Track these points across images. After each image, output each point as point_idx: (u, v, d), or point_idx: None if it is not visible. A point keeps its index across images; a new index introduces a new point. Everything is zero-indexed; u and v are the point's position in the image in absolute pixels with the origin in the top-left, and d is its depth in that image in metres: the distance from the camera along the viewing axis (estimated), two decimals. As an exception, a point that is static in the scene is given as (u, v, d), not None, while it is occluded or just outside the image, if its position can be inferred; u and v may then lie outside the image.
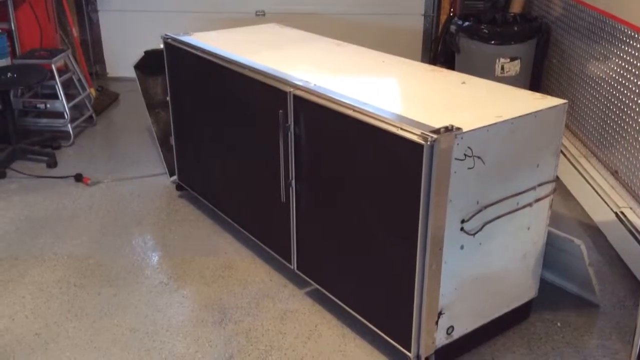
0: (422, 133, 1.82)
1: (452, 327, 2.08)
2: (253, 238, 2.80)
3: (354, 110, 2.04)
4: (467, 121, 1.90)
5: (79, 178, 3.64)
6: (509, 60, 3.94)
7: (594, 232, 2.97)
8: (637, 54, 2.88)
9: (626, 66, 2.98)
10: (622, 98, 3.03)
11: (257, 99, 2.51)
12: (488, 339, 2.28)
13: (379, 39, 5.00)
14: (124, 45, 5.46)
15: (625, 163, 2.94)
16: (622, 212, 2.77)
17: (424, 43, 5.21)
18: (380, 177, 2.00)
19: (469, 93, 2.25)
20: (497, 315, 2.24)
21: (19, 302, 2.57)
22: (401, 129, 1.87)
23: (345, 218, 2.20)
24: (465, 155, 1.87)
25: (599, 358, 2.22)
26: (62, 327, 2.42)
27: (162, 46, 3.42)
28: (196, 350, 2.29)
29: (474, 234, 1.99)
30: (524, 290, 2.31)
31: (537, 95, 2.22)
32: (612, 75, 3.15)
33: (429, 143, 1.79)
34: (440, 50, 4.52)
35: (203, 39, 3.00)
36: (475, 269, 2.07)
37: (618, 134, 3.05)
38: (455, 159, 1.85)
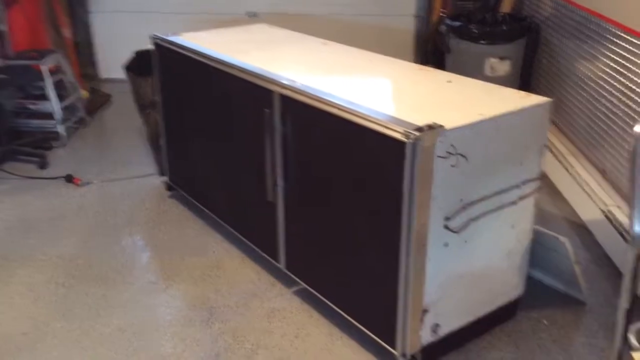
0: (404, 131, 1.82)
1: (438, 324, 2.08)
2: (242, 237, 2.80)
3: (338, 109, 2.05)
4: (451, 119, 1.90)
5: (69, 179, 3.64)
6: (498, 59, 3.96)
7: (582, 231, 2.98)
8: (624, 53, 2.89)
9: (614, 65, 3.00)
10: (609, 97, 3.04)
11: (244, 99, 2.52)
12: (475, 337, 2.28)
13: (371, 39, 5.00)
14: (116, 47, 5.44)
15: (613, 162, 2.95)
16: (609, 211, 2.78)
17: (415, 43, 5.22)
18: (364, 175, 2.01)
19: (454, 92, 2.26)
20: (483, 313, 2.25)
21: (7, 302, 2.56)
22: (384, 126, 1.88)
23: (332, 216, 2.20)
24: (448, 153, 1.88)
25: (586, 356, 2.23)
26: (50, 327, 2.42)
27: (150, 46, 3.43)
28: (183, 350, 2.29)
29: (458, 232, 2.00)
30: (510, 288, 2.32)
31: (522, 93, 2.23)
32: (600, 74, 3.16)
33: (411, 141, 1.80)
34: (431, 51, 4.53)
35: (191, 39, 3.00)
36: (460, 266, 2.08)
37: (606, 133, 3.06)
38: (438, 156, 1.86)
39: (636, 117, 2.75)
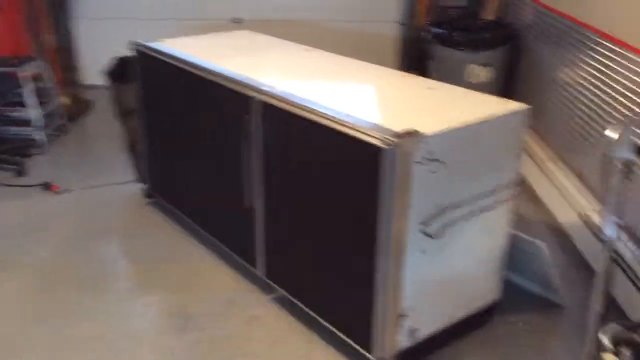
0: (382, 137, 1.82)
1: (415, 329, 2.08)
2: (220, 244, 2.78)
3: (316, 115, 2.04)
4: (430, 125, 1.90)
5: (47, 186, 3.60)
6: (480, 66, 3.98)
7: (560, 235, 2.99)
8: (603, 59, 2.92)
9: (592, 71, 3.02)
10: (588, 103, 3.06)
11: (223, 105, 2.50)
12: (452, 341, 2.28)
13: (355, 46, 5.00)
14: (99, 53, 5.37)
15: (591, 166, 2.97)
16: (586, 215, 2.79)
17: (399, 50, 5.24)
18: (342, 182, 2.00)
19: (434, 98, 2.27)
20: (460, 317, 2.25)
21: (-19, 311, 2.53)
22: (362, 132, 1.88)
23: (310, 223, 2.19)
24: (426, 159, 1.88)
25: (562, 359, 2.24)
26: (24, 334, 2.38)
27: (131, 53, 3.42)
28: (158, 355, 2.26)
29: (435, 237, 2.00)
30: (487, 292, 2.32)
31: (501, 100, 2.24)
32: (579, 80, 3.19)
33: (388, 147, 1.79)
34: (414, 57, 4.55)
35: (172, 45, 2.99)
36: (438, 271, 2.07)
37: (584, 138, 3.08)
38: (416, 162, 1.86)
39: (613, 122, 2.77)
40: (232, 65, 2.58)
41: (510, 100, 2.22)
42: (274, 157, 2.29)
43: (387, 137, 1.82)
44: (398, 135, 1.82)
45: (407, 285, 1.98)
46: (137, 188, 3.58)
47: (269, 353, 2.27)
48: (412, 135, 1.84)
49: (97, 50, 5.44)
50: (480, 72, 3.99)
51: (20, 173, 3.78)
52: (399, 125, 1.89)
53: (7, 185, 3.64)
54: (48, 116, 4.29)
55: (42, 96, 4.35)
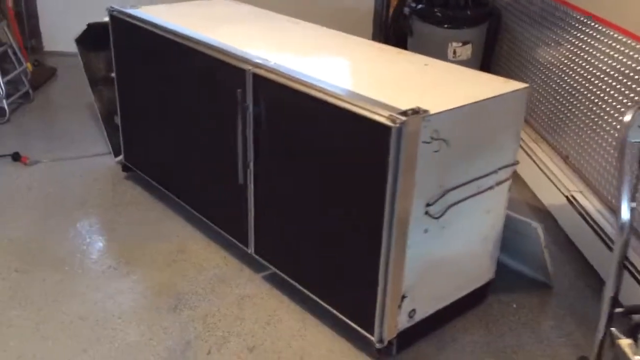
0: (390, 115, 1.78)
1: (414, 310, 2.07)
2: (207, 221, 2.71)
3: (319, 91, 1.98)
4: (433, 103, 1.87)
5: (16, 157, 3.43)
6: (461, 44, 3.96)
7: (544, 216, 3.03)
8: (587, 38, 2.93)
9: (576, 51, 3.04)
10: (572, 83, 3.09)
11: (214, 77, 2.41)
12: (447, 321, 2.29)
13: (329, 17, 4.91)
14: (62, 18, 5.18)
15: (576, 147, 3.01)
16: (572, 196, 2.83)
17: (374, 23, 5.18)
18: (345, 160, 1.96)
19: (432, 75, 2.23)
20: (456, 297, 2.25)
21: (-45, 290, 2.40)
22: (368, 110, 1.83)
23: (307, 201, 2.15)
24: (432, 138, 1.85)
25: (554, 339, 2.27)
26: (5, 315, 2.27)
27: (106, 19, 3.26)
28: (150, 338, 2.20)
29: (437, 218, 1.98)
30: (483, 272, 2.33)
31: (500, 78, 2.22)
32: (562, 60, 3.21)
33: (397, 125, 1.76)
34: (393, 33, 4.49)
35: (152, 12, 2.86)
36: (438, 252, 2.07)
37: (568, 119, 3.11)
38: (422, 141, 1.83)
39: (599, 102, 2.80)
40: (218, 36, 2.49)
41: (510, 79, 2.21)
42: (269, 133, 2.22)
43: (395, 115, 1.78)
44: (405, 113, 1.78)
45: (409, 266, 1.97)
46: (112, 161, 3.45)
47: (264, 332, 2.24)
48: (419, 113, 1.80)
49: (60, 15, 5.21)
50: (460, 50, 3.97)
51: (-16, 143, 3.60)
52: (402, 103, 1.85)
53: (-28, 156, 3.47)
54: (10, 83, 4.08)
55: (5, 62, 4.13)
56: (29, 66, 4.47)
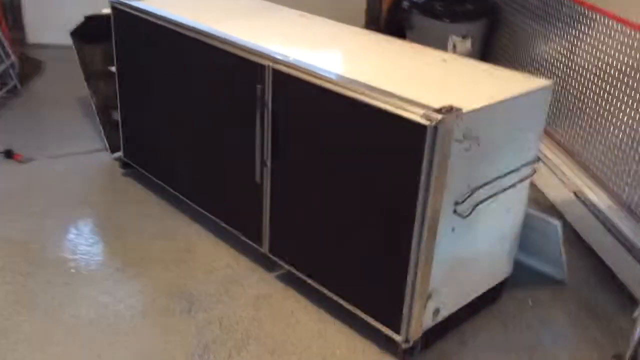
0: (424, 113, 1.74)
1: (438, 309, 2.05)
2: (216, 220, 2.64)
3: (347, 89, 1.93)
4: (463, 101, 1.84)
5: (9, 154, 3.31)
6: (461, 38, 3.95)
7: (550, 212, 3.03)
8: (588, 31, 2.93)
9: (579, 44, 3.03)
10: (575, 77, 3.09)
11: (230, 73, 2.34)
12: (465, 319, 2.27)
13: (319, 9, 4.84)
14: (47, 10, 5.03)
15: (581, 142, 3.01)
16: (580, 192, 2.84)
17: (366, 16, 5.13)
18: (375, 158, 1.92)
19: (453, 71, 2.20)
20: (476, 295, 2.23)
21: (-43, 294, 2.30)
22: (402, 108, 1.79)
23: (330, 200, 2.10)
24: (464, 136, 1.82)
25: (572, 334, 2.28)
26: (12, 320, 2.19)
27: (104, 11, 3.17)
28: (166, 342, 2.14)
29: (465, 217, 1.95)
30: (501, 270, 2.32)
31: (518, 74, 2.21)
32: (564, 53, 3.21)
33: (433, 124, 1.72)
34: (391, 27, 4.46)
35: (157, 4, 2.77)
36: (462, 251, 2.04)
37: (572, 113, 3.12)
38: (455, 140, 1.80)
39: (604, 95, 2.81)
40: (229, 29, 2.41)
41: (529, 75, 2.19)
42: (289, 130, 2.17)
43: (429, 113, 1.74)
44: (440, 111, 1.75)
45: (436, 265, 1.94)
46: (108, 157, 3.36)
47: (283, 334, 2.19)
48: (453, 111, 1.77)
49: (43, 7, 5.05)
50: (460, 44, 3.96)
51: (-26, 140, 3.46)
52: (432, 100, 1.82)
53: (-37, 154, 3.33)
54: (-2, 77, 3.95)
55: (-8, 55, 3.99)
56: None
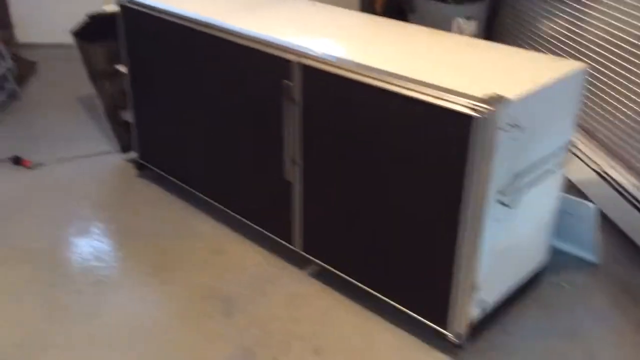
0: (470, 104, 1.71)
1: (484, 300, 2.03)
2: (242, 219, 2.60)
3: (383, 81, 1.89)
4: (504, 88, 1.80)
5: (17, 161, 3.23)
6: (465, 20, 3.90)
7: (573, 193, 3.03)
8: (595, 3, 2.89)
9: (586, 18, 3.01)
10: (586, 53, 3.07)
11: (254, 69, 2.28)
12: (506, 308, 2.26)
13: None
14: (36, 8, 4.91)
15: (602, 121, 3.00)
16: (605, 172, 2.83)
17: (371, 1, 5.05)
18: (416, 152, 1.88)
19: (483, 56, 2.16)
20: (517, 283, 2.22)
21: (-14, 310, 2.24)
22: (445, 99, 1.75)
23: (367, 196, 2.06)
24: (509, 125, 1.79)
25: (613, 316, 2.27)
26: (46, 333, 2.13)
27: (105, 8, 3.10)
28: (209, 347, 2.09)
29: (508, 205, 1.93)
30: (539, 256, 2.31)
31: (548, 56, 2.17)
32: (572, 29, 3.18)
33: (480, 114, 1.69)
34: (391, 10, 4.39)
35: (165, 0, 2.69)
36: (506, 240, 2.02)
37: (589, 92, 3.10)
38: (500, 129, 1.76)
39: (621, 71, 2.79)
40: (243, 23, 2.35)
41: (558, 58, 2.16)
42: (319, 125, 2.12)
43: (477, 104, 1.70)
44: (486, 101, 1.71)
45: (481, 256, 1.92)
46: (118, 158, 3.30)
47: (324, 333, 2.16)
48: (501, 100, 1.73)
49: (33, 5, 4.92)
50: (465, 26, 3.92)
51: (-21, 147, 3.37)
52: (473, 89, 1.78)
53: (-31, 162, 3.24)
54: (-3, 81, 3.84)
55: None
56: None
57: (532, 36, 3.70)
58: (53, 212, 2.83)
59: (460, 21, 3.90)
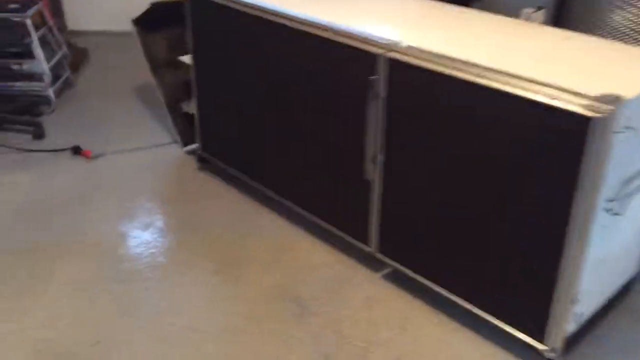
0: (587, 104, 1.57)
1: (582, 312, 1.90)
2: (313, 217, 2.50)
3: (482, 77, 1.76)
4: (617, 86, 1.66)
5: (77, 151, 3.19)
6: (534, 10, 3.72)
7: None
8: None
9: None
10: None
11: (335, 63, 2.17)
12: (600, 318, 2.12)
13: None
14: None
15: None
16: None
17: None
18: (520, 155, 1.75)
19: (585, 51, 2.01)
20: (612, 293, 2.09)
21: (56, 306, 2.19)
22: (557, 98, 1.62)
23: (457, 198, 1.94)
24: (624, 127, 1.65)
25: None
26: (121, 332, 2.07)
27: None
28: (284, 351, 2.01)
29: (615, 213, 1.79)
30: (633, 264, 2.17)
31: (649, 52, 2.02)
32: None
33: (599, 116, 1.55)
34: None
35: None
36: (607, 249, 1.89)
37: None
38: (615, 132, 1.63)
39: None
40: (322, 14, 2.23)
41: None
42: (405, 123, 2.01)
43: (594, 104, 1.57)
44: (603, 101, 1.58)
45: (584, 267, 1.79)
46: (179, 151, 3.23)
47: (404, 340, 2.05)
48: (617, 100, 1.59)
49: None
50: (534, 16, 3.74)
51: (38, 136, 3.34)
52: (585, 87, 1.63)
53: (30, 151, 3.21)
54: (53, 68, 3.80)
55: (45, 45, 3.83)
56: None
57: (606, 27, 3.51)
58: (114, 205, 2.77)
59: (529, 11, 3.72)
